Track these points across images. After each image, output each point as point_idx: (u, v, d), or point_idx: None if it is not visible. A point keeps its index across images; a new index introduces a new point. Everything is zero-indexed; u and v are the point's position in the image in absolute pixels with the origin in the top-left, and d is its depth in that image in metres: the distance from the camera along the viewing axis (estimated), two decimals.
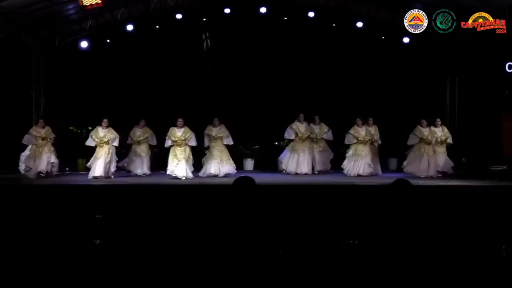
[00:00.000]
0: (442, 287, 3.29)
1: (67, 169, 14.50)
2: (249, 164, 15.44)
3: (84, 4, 12.99)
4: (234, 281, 3.26)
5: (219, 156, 13.04)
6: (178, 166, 12.43)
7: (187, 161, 12.49)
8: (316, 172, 13.81)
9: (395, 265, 3.32)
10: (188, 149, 12.60)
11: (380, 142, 13.58)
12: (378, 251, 3.45)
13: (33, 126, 13.09)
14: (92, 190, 10.05)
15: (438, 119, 13.17)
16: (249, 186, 3.75)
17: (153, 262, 3.57)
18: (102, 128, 12.86)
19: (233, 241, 3.43)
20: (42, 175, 12.60)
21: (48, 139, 12.82)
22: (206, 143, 13.17)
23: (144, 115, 14.01)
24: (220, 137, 13.13)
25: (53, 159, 12.82)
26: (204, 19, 15.88)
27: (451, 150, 13.28)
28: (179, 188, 10.60)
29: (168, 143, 12.66)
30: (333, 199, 6.72)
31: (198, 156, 13.25)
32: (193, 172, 12.75)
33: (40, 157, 12.61)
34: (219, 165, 13.04)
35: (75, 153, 14.41)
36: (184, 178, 12.32)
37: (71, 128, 15.12)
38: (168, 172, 12.52)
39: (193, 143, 12.73)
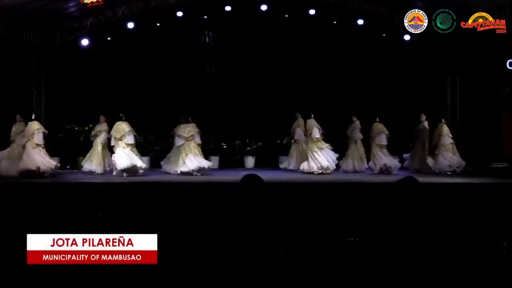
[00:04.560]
0: (442, 284, 3.30)
1: (67, 167, 14.49)
2: (250, 161, 15.44)
3: (84, 1, 12.97)
4: (238, 280, 3.27)
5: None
6: None
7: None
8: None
9: (398, 263, 3.33)
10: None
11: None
12: (383, 249, 3.46)
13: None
14: (93, 188, 10.04)
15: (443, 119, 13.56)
16: (257, 184, 3.76)
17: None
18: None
19: (240, 239, 3.44)
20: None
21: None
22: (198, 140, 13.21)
23: (144, 113, 13.95)
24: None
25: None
26: (205, 17, 15.87)
27: None
28: (183, 185, 10.60)
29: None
30: (339, 197, 6.72)
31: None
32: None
33: None
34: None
35: (75, 151, 14.40)
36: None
37: (71, 126, 15.10)
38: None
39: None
